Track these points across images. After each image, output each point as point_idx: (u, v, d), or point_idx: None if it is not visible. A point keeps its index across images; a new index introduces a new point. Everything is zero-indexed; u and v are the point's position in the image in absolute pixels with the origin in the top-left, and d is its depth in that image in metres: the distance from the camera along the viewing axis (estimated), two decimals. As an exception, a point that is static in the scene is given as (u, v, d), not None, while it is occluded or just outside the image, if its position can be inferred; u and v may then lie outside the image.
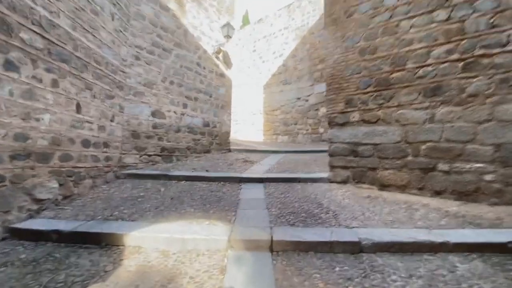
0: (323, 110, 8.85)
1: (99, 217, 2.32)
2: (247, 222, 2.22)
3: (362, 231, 2.01)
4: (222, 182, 3.64)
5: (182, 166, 4.53)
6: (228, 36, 5.82)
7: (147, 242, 1.93)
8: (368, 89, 3.44)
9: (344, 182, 3.55)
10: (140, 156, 4.22)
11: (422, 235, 1.91)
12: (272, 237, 1.89)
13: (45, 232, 2.01)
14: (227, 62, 6.58)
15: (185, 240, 1.89)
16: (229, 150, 6.67)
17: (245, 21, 15.97)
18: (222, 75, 6.38)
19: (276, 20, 11.27)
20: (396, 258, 1.74)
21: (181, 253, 1.82)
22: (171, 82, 4.88)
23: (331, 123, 3.74)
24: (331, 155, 3.71)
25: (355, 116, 3.53)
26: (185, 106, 5.18)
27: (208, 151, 5.81)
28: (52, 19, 2.51)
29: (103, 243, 1.94)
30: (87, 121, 3.07)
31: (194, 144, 5.40)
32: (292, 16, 10.57)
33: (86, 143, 3.05)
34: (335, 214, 2.39)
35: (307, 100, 9.48)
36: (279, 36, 11.05)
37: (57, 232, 2.00)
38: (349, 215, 2.38)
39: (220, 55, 6.36)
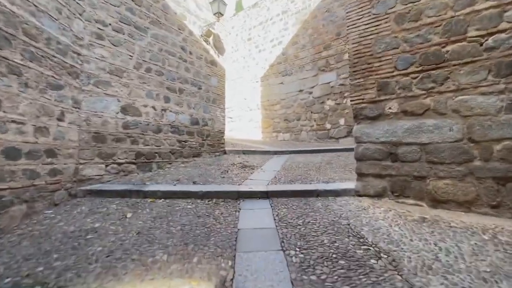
0: (330, 103, 8.02)
1: (8, 279, 1.44)
2: (254, 283, 1.36)
3: (458, 303, 1.17)
4: (214, 200, 2.77)
5: (164, 176, 3.64)
6: (219, 14, 4.91)
7: None
8: (410, 69, 2.60)
9: (379, 196, 2.71)
10: (107, 166, 3.32)
11: None
12: (303, 328, 1.04)
13: None
14: (219, 47, 5.68)
15: None
16: (224, 152, 5.80)
17: (239, 8, 14.99)
18: (213, 62, 5.48)
19: (273, 3, 10.35)
20: None
21: None
22: (148, 70, 3.97)
23: (358, 117, 2.89)
24: (359, 159, 2.86)
25: (393, 106, 2.69)
26: (167, 99, 4.28)
27: (198, 155, 4.92)
28: None
29: None
30: (13, 121, 2.17)
31: (180, 147, 4.51)
32: (291, -2, 9.66)
33: (12, 153, 2.15)
34: (393, 260, 1.55)
35: (310, 93, 8.63)
36: (277, 22, 10.15)
37: None
38: (416, 260, 1.53)
39: (211, 39, 5.46)
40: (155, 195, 2.88)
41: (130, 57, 3.70)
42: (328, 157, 5.16)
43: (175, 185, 3.12)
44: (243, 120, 11.31)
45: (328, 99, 8.10)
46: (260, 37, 10.84)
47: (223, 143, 5.80)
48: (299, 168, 4.15)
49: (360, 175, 2.86)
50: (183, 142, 4.56)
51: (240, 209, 2.52)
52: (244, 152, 5.93)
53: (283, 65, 9.71)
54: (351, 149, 6.17)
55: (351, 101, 2.99)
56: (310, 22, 8.89)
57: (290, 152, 5.93)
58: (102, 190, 2.98)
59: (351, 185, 2.95)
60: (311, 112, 8.55)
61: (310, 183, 3.16)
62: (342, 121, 7.70)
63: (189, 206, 2.58)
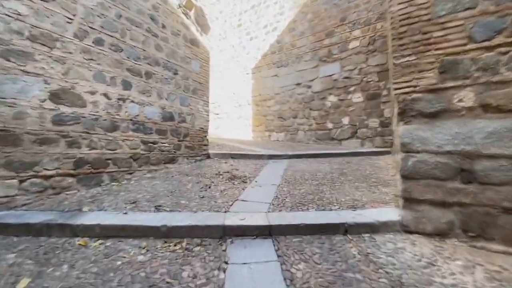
0: (332, 99, 7.17)
1: None
2: None
3: None
4: (185, 242, 1.79)
5: (116, 194, 2.61)
6: (201, -24, 3.89)
7: None
8: (496, 40, 1.72)
9: (441, 234, 1.83)
10: (22, 182, 2.25)
11: None
12: None
13: None
14: (202, 24, 4.65)
15: None
16: (207, 156, 4.80)
17: (227, -8, 13.89)
18: (194, 42, 4.45)
19: (267, -15, 9.38)
20: None
21: None
22: (98, 41, 2.90)
23: (408, 113, 1.99)
24: (408, 176, 1.96)
25: (466, 97, 1.80)
26: (127, 85, 3.22)
27: (172, 160, 3.89)
28: None
29: None
30: None
31: (147, 150, 3.47)
32: (287, -21, 8.73)
33: None
34: None
35: (309, 87, 7.74)
36: (271, 6, 9.19)
37: None
38: None
39: (192, 12, 4.43)
40: (90, 231, 1.86)
41: (69, 21, 2.63)
42: (336, 164, 4.29)
43: (126, 213, 2.10)
44: (231, 117, 10.31)
45: (330, 94, 7.24)
46: (252, 23, 9.86)
47: (206, 145, 4.79)
48: (305, 181, 3.23)
49: (409, 201, 1.96)
50: (150, 144, 3.52)
51: (226, 263, 1.55)
52: (233, 156, 4.95)
53: (277, 55, 8.78)
54: (359, 154, 5.33)
55: (394, 89, 2.08)
56: (309, 5, 7.99)
57: (289, 157, 5.01)
58: (5, 224, 1.92)
59: (392, 214, 2.05)
60: (310, 109, 7.67)
61: (330, 210, 2.23)
62: (346, 120, 6.87)
63: (140, 258, 1.58)
